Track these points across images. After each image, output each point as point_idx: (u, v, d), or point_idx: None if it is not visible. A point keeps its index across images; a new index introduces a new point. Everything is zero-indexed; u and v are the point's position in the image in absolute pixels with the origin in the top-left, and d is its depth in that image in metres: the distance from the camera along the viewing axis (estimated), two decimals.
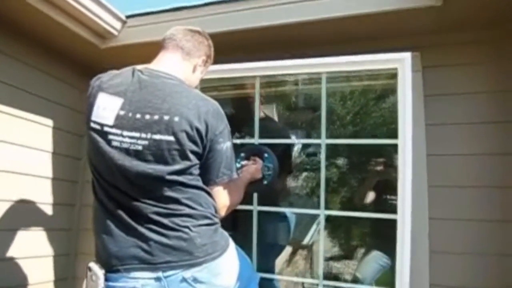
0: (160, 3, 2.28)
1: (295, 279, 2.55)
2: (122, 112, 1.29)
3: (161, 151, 1.27)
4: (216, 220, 1.39)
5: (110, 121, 1.29)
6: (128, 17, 2.36)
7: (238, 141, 2.20)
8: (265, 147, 2.07)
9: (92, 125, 1.32)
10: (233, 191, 1.49)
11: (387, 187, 3.02)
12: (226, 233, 1.45)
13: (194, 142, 1.30)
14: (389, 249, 1.91)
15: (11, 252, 2.17)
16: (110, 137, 1.29)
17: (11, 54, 2.23)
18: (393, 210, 1.93)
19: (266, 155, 1.99)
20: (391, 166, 3.11)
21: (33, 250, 2.33)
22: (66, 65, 2.58)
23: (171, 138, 1.27)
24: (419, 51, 2.07)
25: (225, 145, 1.38)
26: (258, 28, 2.11)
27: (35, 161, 2.38)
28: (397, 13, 1.91)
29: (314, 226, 4.73)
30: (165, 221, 1.27)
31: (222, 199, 1.44)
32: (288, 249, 4.48)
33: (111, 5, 2.25)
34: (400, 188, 1.91)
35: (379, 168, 3.29)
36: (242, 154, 2.01)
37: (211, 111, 1.35)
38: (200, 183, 1.37)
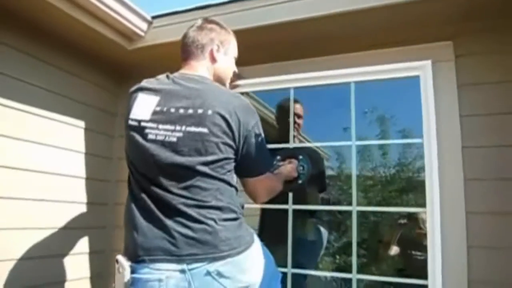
0: (184, 2, 2.28)
1: (328, 274, 2.57)
2: (158, 108, 1.37)
3: (194, 142, 1.31)
4: (241, 215, 1.41)
5: (147, 116, 1.37)
6: (154, 17, 2.38)
7: (274, 146, 2.28)
8: (300, 150, 2.21)
9: (130, 122, 1.40)
10: (273, 179, 1.61)
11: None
12: (251, 229, 1.45)
13: (226, 134, 1.34)
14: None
15: (49, 250, 2.24)
16: (147, 131, 1.36)
17: (44, 59, 2.28)
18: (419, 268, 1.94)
19: (300, 157, 2.08)
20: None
21: (70, 248, 2.39)
22: (96, 68, 2.63)
23: (205, 130, 1.32)
24: (452, 40, 2.00)
25: (260, 138, 1.43)
26: (290, 22, 2.05)
27: (69, 161, 2.43)
28: (431, 1, 1.83)
29: None
30: (191, 212, 1.29)
31: (264, 184, 1.53)
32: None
33: (137, 6, 2.28)
34: (428, 183, 1.96)
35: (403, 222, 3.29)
36: (279, 157, 2.10)
37: (242, 106, 1.40)
38: (230, 179, 1.39)
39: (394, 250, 3.31)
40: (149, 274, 1.27)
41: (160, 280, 1.25)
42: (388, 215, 4.15)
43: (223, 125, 1.33)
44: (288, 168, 2.01)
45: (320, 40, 2.21)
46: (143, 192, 1.35)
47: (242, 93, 2.41)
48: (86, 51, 2.48)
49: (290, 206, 2.29)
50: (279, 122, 2.67)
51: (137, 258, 1.30)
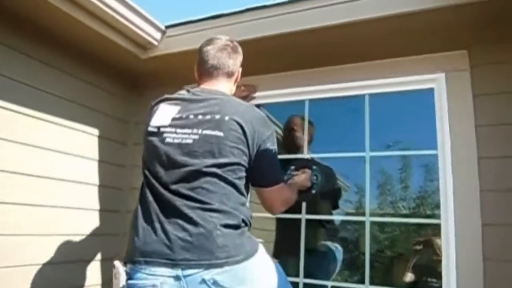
0: (197, 11, 2.30)
1: (343, 284, 2.57)
2: (178, 115, 1.43)
3: (209, 144, 1.35)
4: (246, 225, 1.37)
5: (167, 123, 1.42)
6: (167, 27, 2.39)
7: (288, 156, 2.34)
8: (314, 159, 2.22)
9: (150, 129, 1.45)
10: (287, 189, 1.63)
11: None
12: (255, 239, 1.41)
13: (241, 141, 1.37)
14: None
15: (62, 256, 2.24)
16: (165, 135, 1.40)
17: (59, 67, 2.31)
18: None
19: (314, 167, 2.10)
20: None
21: (82, 254, 2.40)
22: (109, 76, 2.65)
23: (221, 133, 1.35)
24: (467, 49, 1.97)
25: (274, 149, 1.46)
26: (302, 31, 2.04)
27: (83, 168, 2.45)
28: (445, 10, 1.81)
29: None
30: (193, 214, 1.28)
31: (279, 194, 1.54)
32: None
33: (151, 16, 2.29)
34: (442, 194, 1.96)
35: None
36: (293, 167, 2.12)
37: (258, 117, 1.46)
38: (240, 185, 1.39)
39: (409, 277, 3.25)
40: (144, 280, 1.26)
41: (154, 286, 1.24)
42: (403, 242, 4.11)
43: (239, 131, 1.36)
44: (302, 177, 2.03)
45: (332, 49, 2.20)
46: (152, 195, 1.37)
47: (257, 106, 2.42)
48: (100, 60, 2.49)
49: (303, 216, 2.29)
50: (288, 137, 2.64)
51: (134, 261, 1.30)
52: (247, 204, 1.46)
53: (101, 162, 2.57)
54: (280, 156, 2.25)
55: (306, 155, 2.39)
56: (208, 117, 1.38)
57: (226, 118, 1.37)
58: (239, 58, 1.64)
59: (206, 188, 1.32)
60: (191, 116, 1.40)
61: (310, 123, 2.50)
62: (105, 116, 2.63)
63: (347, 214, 3.86)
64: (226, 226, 1.29)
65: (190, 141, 1.36)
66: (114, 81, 2.69)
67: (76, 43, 2.31)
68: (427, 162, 3.63)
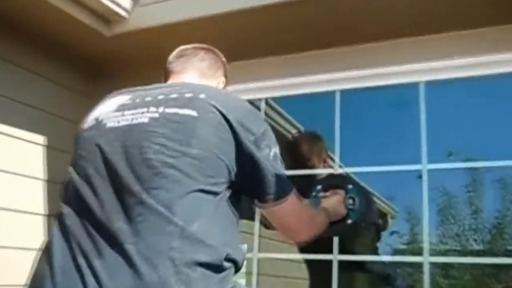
0: None
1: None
2: (128, 102, 1.40)
3: (175, 124, 1.27)
4: (228, 264, 1.23)
5: (110, 109, 1.39)
6: None
7: (311, 172, 2.37)
8: (349, 176, 2.19)
9: (85, 126, 1.42)
10: (311, 209, 1.62)
11: None
12: None
13: (223, 126, 1.29)
14: None
15: None
16: (105, 121, 1.36)
17: None
18: None
19: (350, 186, 2.05)
20: None
21: None
22: (61, 62, 2.65)
23: (193, 112, 1.28)
24: None
25: (271, 151, 1.39)
26: None
27: (21, 191, 2.42)
28: None
29: None
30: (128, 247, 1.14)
31: (295, 208, 1.49)
32: None
33: None
34: None
35: None
36: (319, 187, 2.11)
37: (246, 106, 1.42)
38: (222, 200, 1.28)
39: None
40: None
41: None
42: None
43: (218, 115, 1.29)
44: (334, 200, 1.99)
45: (374, 18, 2.20)
46: None
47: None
48: (48, 39, 2.49)
49: (335, 257, 2.26)
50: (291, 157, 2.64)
51: None
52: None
53: (49, 182, 2.53)
54: (297, 172, 2.25)
55: (337, 169, 2.37)
56: (174, 95, 1.35)
57: (202, 96, 1.33)
58: (217, 64, 1.70)
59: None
60: (148, 98, 1.37)
61: (317, 137, 2.53)
62: (55, 117, 2.62)
63: (396, 252, 3.78)
64: (200, 264, 1.16)
65: (145, 119, 1.30)
66: (67, 69, 2.70)
67: (11, 17, 2.28)
68: (503, 176, 3.57)
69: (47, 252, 1.26)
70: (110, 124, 1.33)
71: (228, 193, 1.31)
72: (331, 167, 2.51)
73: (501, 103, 2.36)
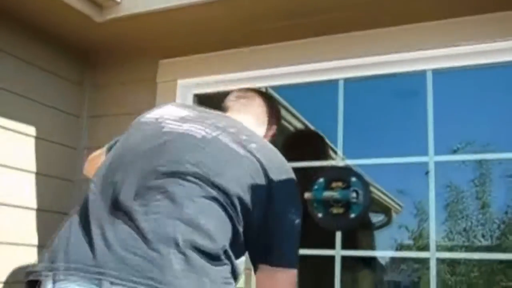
0: None
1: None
2: (187, 114, 1.60)
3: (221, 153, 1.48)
4: (226, 260, 1.38)
5: (170, 115, 1.59)
6: None
7: (311, 164, 2.40)
8: (352, 168, 2.26)
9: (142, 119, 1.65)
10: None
11: None
12: None
13: (260, 179, 1.44)
14: None
15: None
16: (163, 124, 1.55)
17: None
18: None
19: (353, 179, 2.12)
20: None
21: None
22: (52, 51, 2.64)
23: (241, 151, 1.45)
24: None
25: (296, 219, 1.48)
26: None
27: (12, 185, 2.40)
28: None
29: None
30: None
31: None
32: None
33: None
34: None
35: None
36: (321, 179, 2.16)
37: (290, 169, 1.54)
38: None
39: None
40: None
41: None
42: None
43: (260, 170, 1.44)
44: None
45: (370, 5, 2.17)
46: None
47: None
48: (37, 26, 2.48)
49: (338, 252, 2.25)
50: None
51: None
52: None
53: (39, 175, 2.51)
54: (299, 164, 2.22)
55: (339, 161, 2.38)
56: (231, 130, 1.51)
57: (253, 146, 1.48)
58: (273, 112, 1.85)
59: None
60: (209, 121, 1.54)
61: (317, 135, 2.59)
62: (46, 107, 2.59)
63: (402, 247, 3.77)
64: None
65: (198, 135, 1.47)
66: (58, 58, 2.68)
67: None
68: None
69: (70, 219, 1.41)
70: (166, 129, 1.52)
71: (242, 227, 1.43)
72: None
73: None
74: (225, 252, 1.35)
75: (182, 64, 2.52)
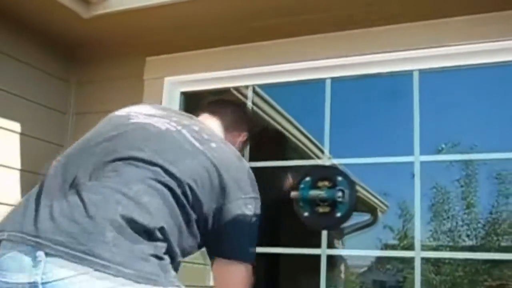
0: None
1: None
2: (154, 112, 1.67)
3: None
4: (160, 242, 1.37)
5: (138, 111, 1.66)
6: None
7: (299, 163, 2.47)
8: (339, 168, 2.26)
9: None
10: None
11: None
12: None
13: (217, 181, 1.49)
14: None
15: None
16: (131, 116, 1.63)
17: None
18: None
19: (339, 178, 2.14)
20: None
21: None
22: (37, 46, 2.64)
23: (200, 146, 1.52)
24: None
25: (251, 217, 1.52)
26: None
27: None
28: None
29: None
30: None
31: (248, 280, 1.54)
32: None
33: None
34: None
35: None
36: (308, 178, 2.17)
37: (247, 169, 1.60)
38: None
39: None
40: None
41: None
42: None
43: (216, 167, 1.49)
44: None
45: (357, 4, 2.18)
46: None
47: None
48: (23, 21, 2.47)
49: (324, 251, 2.23)
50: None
51: None
52: None
53: (24, 172, 2.50)
54: (289, 163, 2.22)
55: (325, 160, 2.39)
56: (195, 127, 1.60)
57: (213, 145, 1.55)
58: (242, 121, 1.90)
59: None
60: (175, 118, 1.62)
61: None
62: (31, 103, 2.58)
63: (386, 247, 3.78)
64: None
65: (163, 127, 1.54)
66: (44, 54, 2.67)
67: None
68: (500, 170, 3.55)
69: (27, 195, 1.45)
70: (133, 120, 1.58)
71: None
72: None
73: (498, 94, 2.33)
74: (161, 230, 1.36)
75: (169, 62, 2.52)
